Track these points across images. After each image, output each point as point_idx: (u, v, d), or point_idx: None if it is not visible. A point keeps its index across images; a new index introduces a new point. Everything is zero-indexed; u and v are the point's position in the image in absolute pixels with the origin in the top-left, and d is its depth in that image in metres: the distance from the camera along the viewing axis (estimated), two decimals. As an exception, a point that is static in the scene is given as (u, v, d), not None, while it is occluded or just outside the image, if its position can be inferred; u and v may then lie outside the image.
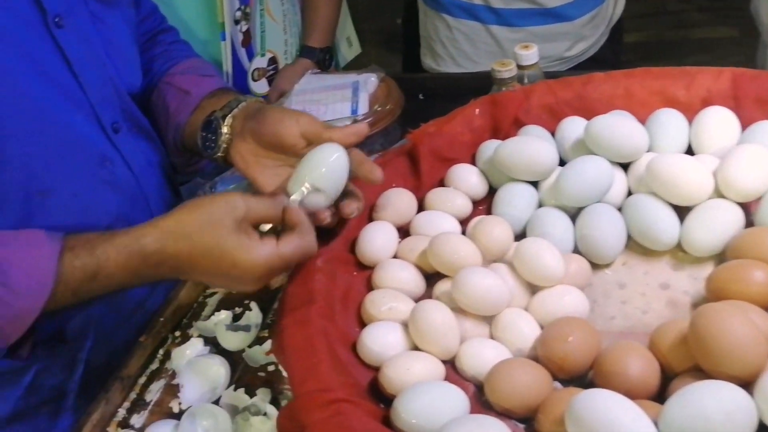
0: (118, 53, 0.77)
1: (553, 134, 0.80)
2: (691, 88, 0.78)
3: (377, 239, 0.70)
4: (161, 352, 0.77)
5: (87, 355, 0.79)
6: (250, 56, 1.23)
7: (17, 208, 0.66)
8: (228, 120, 0.73)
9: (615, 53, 1.42)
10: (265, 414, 0.65)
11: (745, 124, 0.74)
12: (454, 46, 1.34)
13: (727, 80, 0.77)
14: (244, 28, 1.19)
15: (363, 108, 0.97)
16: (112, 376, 0.72)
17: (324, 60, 1.30)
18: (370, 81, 1.01)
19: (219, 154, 0.73)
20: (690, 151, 0.75)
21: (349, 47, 1.47)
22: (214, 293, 0.83)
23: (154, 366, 0.75)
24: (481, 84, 1.03)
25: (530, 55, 0.94)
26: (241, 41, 1.19)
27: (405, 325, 0.62)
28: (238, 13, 1.17)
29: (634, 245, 0.70)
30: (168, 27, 0.93)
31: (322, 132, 0.67)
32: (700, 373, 0.53)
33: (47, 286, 0.55)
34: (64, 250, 0.56)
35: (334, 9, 1.33)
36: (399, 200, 0.74)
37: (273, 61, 1.27)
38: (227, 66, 1.16)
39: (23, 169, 0.66)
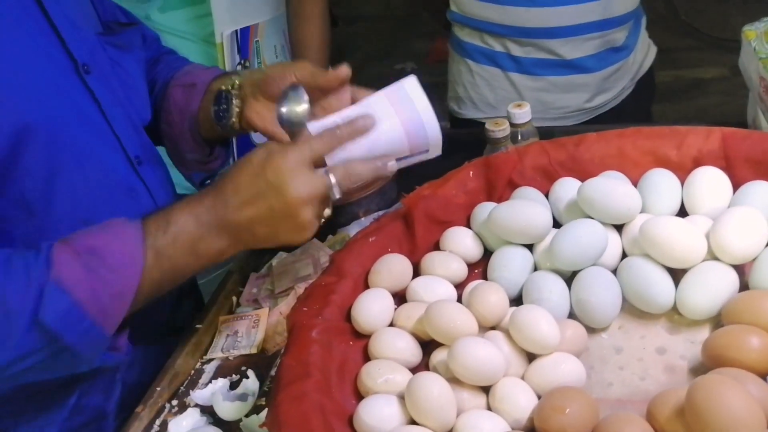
0: (133, 91, 0.85)
1: (547, 195, 0.81)
2: (681, 147, 0.79)
3: (373, 307, 0.70)
4: (158, 422, 0.76)
5: (123, 375, 0.82)
6: None
7: (65, 235, 0.71)
8: (236, 89, 0.82)
9: (640, 104, 1.39)
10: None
11: (736, 184, 0.75)
12: (475, 91, 1.36)
13: (717, 140, 0.78)
14: None
15: None
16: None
17: None
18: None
19: (233, 119, 0.82)
20: (683, 211, 0.76)
21: None
22: (211, 360, 0.83)
23: (151, 438, 0.75)
24: (474, 140, 1.04)
25: (523, 113, 0.95)
26: None
27: (402, 398, 0.62)
28: (239, 67, 1.23)
29: (630, 308, 0.71)
30: (169, 50, 0.99)
31: (315, 77, 0.76)
32: (699, 447, 0.52)
33: (138, 257, 0.64)
34: (144, 222, 0.66)
35: (320, 61, 1.35)
36: (394, 266, 0.75)
37: None
38: None
39: (70, 201, 0.73)
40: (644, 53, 1.36)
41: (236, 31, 1.18)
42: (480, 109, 1.36)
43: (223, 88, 0.83)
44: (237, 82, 0.83)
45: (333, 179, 0.66)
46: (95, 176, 0.75)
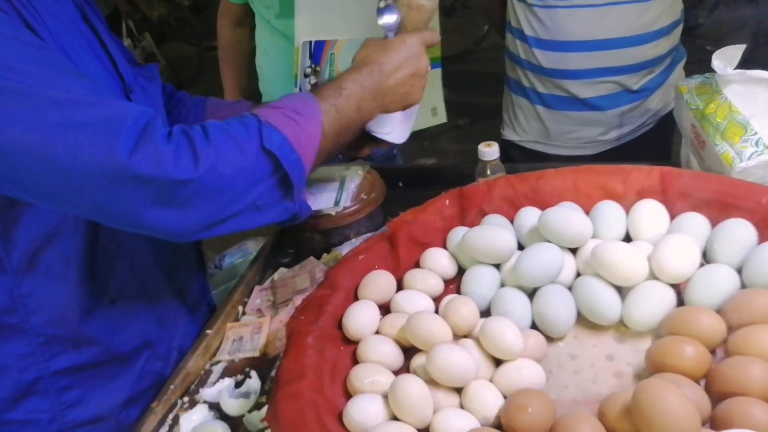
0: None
1: (512, 221, 0.81)
2: (627, 182, 0.80)
3: (362, 317, 0.70)
4: (171, 417, 0.75)
5: (179, 342, 0.82)
6: None
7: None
8: None
9: (659, 140, 1.33)
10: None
11: (672, 215, 0.76)
12: (515, 118, 1.38)
13: (657, 177, 0.78)
14: (313, 81, 1.29)
15: (345, 200, 0.97)
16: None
17: None
18: (357, 173, 1.02)
19: None
20: (628, 237, 0.76)
21: (432, 116, 1.49)
22: (219, 362, 0.81)
23: (164, 430, 0.73)
24: (449, 175, 1.04)
25: (491, 152, 0.95)
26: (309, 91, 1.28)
27: (385, 397, 0.61)
28: (308, 69, 1.27)
29: (583, 320, 0.70)
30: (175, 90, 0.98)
31: None
32: (643, 442, 0.52)
33: (318, 109, 0.70)
34: (318, 89, 0.73)
35: None
36: (380, 281, 0.74)
37: None
38: None
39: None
40: (669, 95, 1.30)
41: (311, 41, 1.22)
42: (518, 134, 1.38)
43: None
44: None
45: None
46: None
